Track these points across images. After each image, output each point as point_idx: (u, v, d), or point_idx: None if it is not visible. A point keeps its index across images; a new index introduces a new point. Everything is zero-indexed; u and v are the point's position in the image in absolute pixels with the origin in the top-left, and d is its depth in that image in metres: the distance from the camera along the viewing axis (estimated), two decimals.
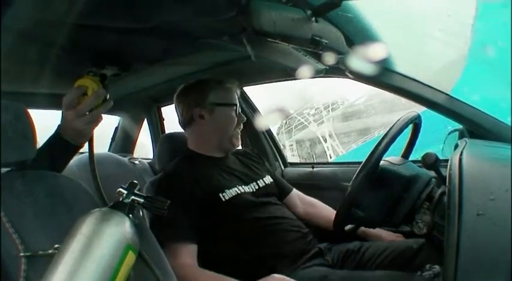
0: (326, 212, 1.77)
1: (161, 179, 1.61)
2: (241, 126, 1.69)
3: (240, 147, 1.80)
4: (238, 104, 1.66)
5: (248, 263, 1.46)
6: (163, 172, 1.68)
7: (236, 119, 1.65)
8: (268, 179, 1.71)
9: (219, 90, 1.66)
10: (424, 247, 1.44)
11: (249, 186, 1.61)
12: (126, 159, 2.45)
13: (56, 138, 1.14)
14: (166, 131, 2.65)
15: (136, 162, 2.46)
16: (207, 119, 1.64)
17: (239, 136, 1.69)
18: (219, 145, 1.66)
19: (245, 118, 1.70)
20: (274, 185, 1.72)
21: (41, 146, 1.16)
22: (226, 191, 1.53)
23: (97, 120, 1.14)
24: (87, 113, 1.11)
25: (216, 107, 1.64)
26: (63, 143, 1.14)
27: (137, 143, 2.73)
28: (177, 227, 1.42)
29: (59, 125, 1.15)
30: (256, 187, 1.63)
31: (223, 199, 1.51)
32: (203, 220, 1.47)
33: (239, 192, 1.55)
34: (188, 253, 1.41)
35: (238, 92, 1.70)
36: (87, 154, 1.18)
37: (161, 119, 2.65)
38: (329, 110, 7.45)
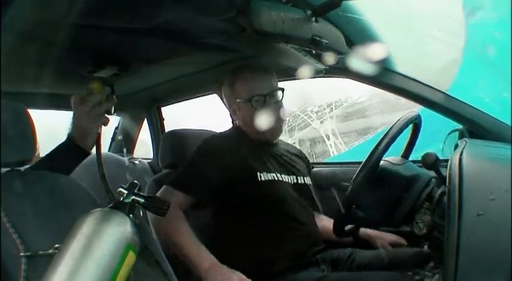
0: (324, 222, 1.74)
1: (206, 139, 1.62)
2: (278, 115, 1.60)
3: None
4: (260, 92, 1.58)
5: (253, 247, 1.48)
6: (211, 135, 1.68)
7: (254, 110, 1.58)
8: (307, 180, 1.69)
9: (237, 83, 1.61)
10: (419, 254, 1.45)
11: (288, 177, 1.61)
12: (126, 159, 2.45)
13: (67, 142, 1.18)
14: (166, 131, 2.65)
15: (137, 162, 2.46)
16: (243, 109, 1.61)
17: (276, 127, 1.61)
18: (257, 133, 1.61)
19: (273, 104, 1.59)
20: (310, 189, 1.70)
21: (52, 151, 1.19)
22: (265, 173, 1.54)
23: (102, 117, 1.15)
24: (92, 109, 1.13)
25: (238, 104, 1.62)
26: (74, 147, 1.17)
27: (140, 142, 2.74)
28: (189, 180, 1.49)
29: (69, 132, 1.18)
30: (295, 181, 1.62)
31: (259, 179, 1.51)
32: (231, 193, 1.50)
33: (276, 178, 1.55)
34: (179, 202, 1.45)
35: (268, 77, 1.62)
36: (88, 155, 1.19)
37: (161, 119, 2.65)
38: (332, 108, 7.43)
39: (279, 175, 1.57)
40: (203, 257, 1.39)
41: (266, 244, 1.49)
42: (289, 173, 1.63)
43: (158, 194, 1.49)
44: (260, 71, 1.61)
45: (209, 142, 1.61)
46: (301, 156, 1.80)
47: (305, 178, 1.68)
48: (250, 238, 1.50)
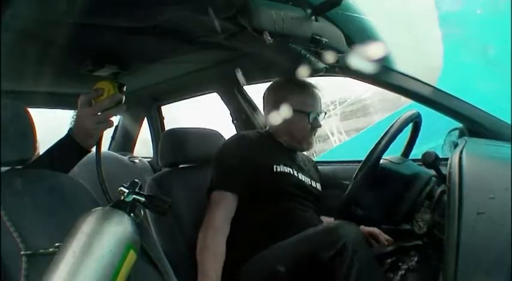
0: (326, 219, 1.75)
1: (232, 136, 1.73)
2: (315, 132, 1.72)
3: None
4: (316, 111, 1.69)
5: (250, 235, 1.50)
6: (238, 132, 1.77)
7: (309, 126, 1.68)
8: (318, 186, 1.74)
9: (299, 95, 1.69)
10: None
11: (304, 177, 1.67)
12: (126, 158, 2.45)
13: (67, 140, 1.16)
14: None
15: (136, 161, 2.46)
16: (293, 118, 1.67)
17: (312, 141, 1.72)
18: (288, 143, 1.71)
19: (320, 125, 1.72)
20: (318, 195, 1.73)
21: (51, 147, 1.18)
22: (281, 165, 1.60)
23: (107, 122, 1.15)
24: (99, 113, 1.12)
25: (291, 112, 1.67)
26: (74, 145, 1.15)
27: (143, 141, 2.74)
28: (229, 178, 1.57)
29: (70, 128, 1.17)
30: (309, 183, 1.68)
31: (275, 170, 1.58)
32: (252, 185, 1.55)
33: (291, 173, 1.62)
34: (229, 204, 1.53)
35: (321, 97, 1.73)
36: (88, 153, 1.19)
37: (161, 118, 2.65)
38: (336, 105, 7.41)
39: (295, 171, 1.63)
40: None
41: (267, 232, 1.50)
42: (305, 175, 1.68)
43: (209, 204, 1.55)
44: (317, 90, 1.72)
45: (233, 139, 1.70)
46: (315, 166, 1.86)
47: (317, 184, 1.73)
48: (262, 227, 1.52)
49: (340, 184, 1.82)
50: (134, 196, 0.90)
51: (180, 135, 1.82)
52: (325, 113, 1.76)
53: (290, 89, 1.70)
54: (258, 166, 1.57)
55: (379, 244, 1.62)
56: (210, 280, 1.41)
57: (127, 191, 0.90)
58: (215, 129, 1.91)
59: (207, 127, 1.94)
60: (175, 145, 1.78)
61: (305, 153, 1.84)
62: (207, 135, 1.87)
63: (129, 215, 0.86)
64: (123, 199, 0.90)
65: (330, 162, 2.17)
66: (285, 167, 1.61)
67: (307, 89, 1.71)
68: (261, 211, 1.52)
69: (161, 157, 1.81)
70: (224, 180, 1.56)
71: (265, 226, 1.50)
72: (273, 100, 1.73)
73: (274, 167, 1.58)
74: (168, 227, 1.61)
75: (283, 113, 1.67)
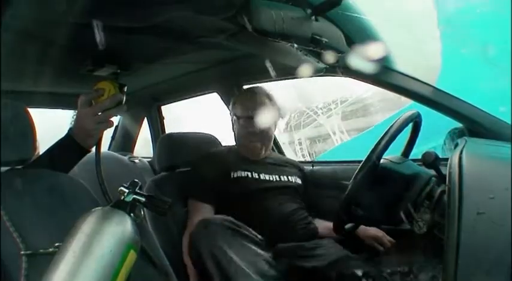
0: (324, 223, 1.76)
1: (202, 155, 1.80)
2: (259, 139, 1.77)
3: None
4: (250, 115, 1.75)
5: None
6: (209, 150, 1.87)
7: (247, 131, 1.75)
8: (293, 179, 1.80)
9: (242, 100, 1.79)
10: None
11: (267, 175, 1.74)
12: (125, 158, 2.45)
13: (67, 140, 1.16)
14: (166, 130, 2.66)
15: (136, 161, 2.46)
16: (234, 127, 1.82)
17: (256, 147, 1.78)
18: (239, 151, 1.82)
19: (259, 131, 1.75)
20: (296, 189, 1.79)
21: (51, 147, 1.18)
22: (238, 171, 1.71)
23: (107, 122, 1.15)
24: (100, 113, 1.12)
25: (237, 119, 1.79)
26: (74, 145, 1.16)
27: (145, 141, 2.74)
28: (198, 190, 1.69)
29: (70, 128, 1.17)
30: (276, 179, 1.75)
31: (232, 176, 1.70)
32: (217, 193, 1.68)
33: (249, 176, 1.71)
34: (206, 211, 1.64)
35: (268, 101, 1.78)
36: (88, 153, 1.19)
37: (161, 118, 2.65)
38: (337, 103, 7.41)
39: (255, 174, 1.72)
40: None
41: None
42: (272, 173, 1.75)
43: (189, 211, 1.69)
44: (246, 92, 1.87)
45: (201, 159, 1.79)
46: (292, 163, 1.93)
47: (290, 177, 1.79)
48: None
49: (340, 185, 1.82)
50: (134, 196, 0.90)
51: (176, 140, 1.84)
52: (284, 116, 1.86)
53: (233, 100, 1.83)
54: (219, 176, 1.70)
55: (384, 247, 1.63)
56: None
57: (127, 191, 0.90)
58: (211, 134, 1.97)
59: (204, 130, 1.97)
60: (172, 149, 1.80)
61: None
62: (204, 140, 1.90)
63: (129, 215, 0.86)
64: (123, 198, 0.90)
65: (330, 162, 2.17)
66: (242, 172, 1.71)
67: (244, 95, 1.84)
68: (234, 215, 1.52)
69: (158, 161, 1.83)
70: (198, 190, 1.70)
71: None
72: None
73: (231, 174, 1.70)
74: (166, 227, 1.62)
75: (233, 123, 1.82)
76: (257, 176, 1.73)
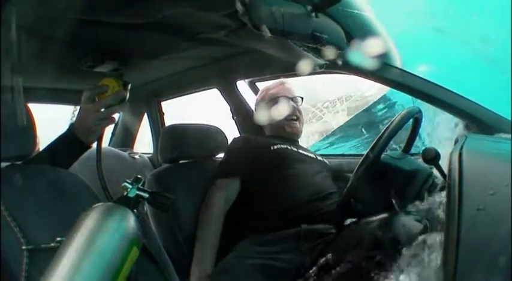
0: None
1: (237, 138, 1.89)
2: (295, 117, 1.89)
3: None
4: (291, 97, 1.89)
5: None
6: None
7: (288, 110, 1.86)
8: (325, 161, 1.89)
9: (278, 84, 1.93)
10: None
11: (304, 152, 1.82)
12: (126, 153, 2.45)
13: (68, 135, 1.17)
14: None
15: (137, 156, 2.46)
16: (264, 111, 1.91)
17: (296, 126, 1.90)
18: (272, 131, 1.92)
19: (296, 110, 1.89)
20: (328, 166, 1.87)
21: (52, 142, 1.18)
22: (278, 145, 1.76)
23: (109, 119, 1.15)
24: (102, 109, 1.13)
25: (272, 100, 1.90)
26: (74, 141, 1.16)
27: (144, 137, 2.75)
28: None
29: (71, 123, 1.17)
30: (315, 157, 1.85)
31: (272, 148, 1.74)
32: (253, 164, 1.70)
33: (288, 148, 1.77)
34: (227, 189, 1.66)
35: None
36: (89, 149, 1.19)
37: (161, 114, 2.65)
38: (342, 101, 7.40)
39: (293, 148, 1.79)
40: (201, 266, 1.48)
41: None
42: (308, 152, 1.85)
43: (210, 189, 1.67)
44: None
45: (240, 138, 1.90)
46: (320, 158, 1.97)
47: (323, 159, 1.88)
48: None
49: (345, 177, 1.83)
50: (138, 192, 0.90)
51: (179, 131, 1.82)
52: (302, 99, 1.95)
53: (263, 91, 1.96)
54: (258, 148, 1.74)
55: None
56: (206, 250, 1.51)
57: (130, 186, 0.90)
58: (215, 125, 1.91)
59: (207, 123, 1.94)
60: (175, 140, 1.78)
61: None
62: (207, 131, 1.87)
63: (133, 211, 0.86)
64: (127, 194, 0.90)
65: (336, 155, 2.18)
66: (282, 145, 1.76)
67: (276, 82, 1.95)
68: (268, 185, 1.63)
69: (161, 153, 1.81)
70: (226, 168, 1.72)
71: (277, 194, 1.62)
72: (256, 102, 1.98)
73: (271, 147, 1.74)
74: (167, 222, 1.61)
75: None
76: (297, 150, 1.79)
